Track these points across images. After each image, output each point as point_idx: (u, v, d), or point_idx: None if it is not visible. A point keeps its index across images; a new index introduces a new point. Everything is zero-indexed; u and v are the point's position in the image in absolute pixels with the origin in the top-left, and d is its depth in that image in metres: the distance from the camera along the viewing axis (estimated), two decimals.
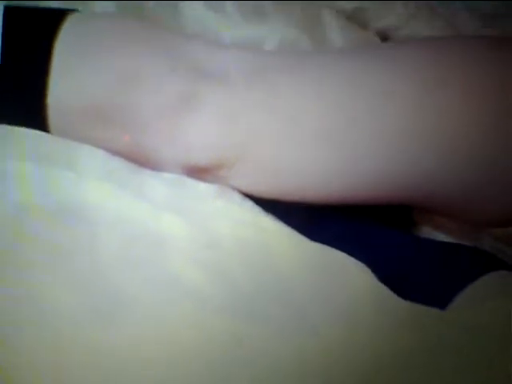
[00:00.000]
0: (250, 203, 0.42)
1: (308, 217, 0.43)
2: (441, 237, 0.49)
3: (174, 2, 0.50)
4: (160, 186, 0.40)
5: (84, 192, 0.38)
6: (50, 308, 0.33)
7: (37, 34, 0.41)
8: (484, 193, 0.42)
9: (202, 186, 0.42)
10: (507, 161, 0.40)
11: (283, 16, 0.48)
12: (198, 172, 0.43)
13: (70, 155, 0.40)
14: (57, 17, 0.42)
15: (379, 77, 0.42)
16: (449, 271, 0.42)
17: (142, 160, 0.42)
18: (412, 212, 0.49)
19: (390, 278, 0.38)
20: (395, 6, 0.49)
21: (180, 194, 0.41)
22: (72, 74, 0.41)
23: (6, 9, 0.41)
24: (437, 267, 0.43)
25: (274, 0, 0.48)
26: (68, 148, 0.40)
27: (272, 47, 0.48)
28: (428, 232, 0.49)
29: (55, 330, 0.32)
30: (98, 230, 0.36)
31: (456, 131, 0.40)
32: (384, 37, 0.51)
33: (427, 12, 0.48)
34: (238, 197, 0.42)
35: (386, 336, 0.35)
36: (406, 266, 0.43)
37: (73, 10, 0.43)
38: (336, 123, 0.41)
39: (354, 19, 0.50)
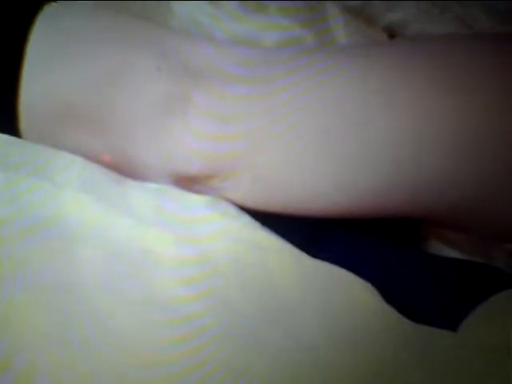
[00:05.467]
0: (246, 217, 0.40)
1: (310, 232, 0.42)
2: (451, 253, 0.47)
3: None
4: (145, 197, 0.39)
5: (59, 205, 0.37)
6: (22, 329, 0.32)
7: (8, 28, 0.40)
8: (493, 204, 0.40)
9: (191, 198, 0.40)
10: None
11: (285, 12, 0.48)
12: (188, 182, 0.41)
13: (43, 163, 0.38)
14: (31, 8, 0.40)
15: (385, 79, 0.40)
16: (459, 290, 0.41)
17: (124, 168, 0.41)
18: (420, 226, 0.47)
19: (396, 298, 0.38)
20: (404, 1, 0.49)
21: (167, 207, 0.39)
22: (46, 71, 0.40)
23: None
24: (446, 286, 0.42)
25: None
26: (41, 155, 0.39)
27: (270, 45, 0.48)
28: (437, 248, 0.47)
29: (30, 355, 0.31)
30: (75, 247, 0.35)
31: (462, 136, 0.39)
32: (391, 34, 0.51)
33: (438, 8, 0.47)
34: (233, 210, 0.40)
35: (391, 361, 0.34)
36: (413, 284, 0.42)
37: (49, 0, 0.42)
38: (339, 132, 0.40)
39: (361, 16, 0.50)
